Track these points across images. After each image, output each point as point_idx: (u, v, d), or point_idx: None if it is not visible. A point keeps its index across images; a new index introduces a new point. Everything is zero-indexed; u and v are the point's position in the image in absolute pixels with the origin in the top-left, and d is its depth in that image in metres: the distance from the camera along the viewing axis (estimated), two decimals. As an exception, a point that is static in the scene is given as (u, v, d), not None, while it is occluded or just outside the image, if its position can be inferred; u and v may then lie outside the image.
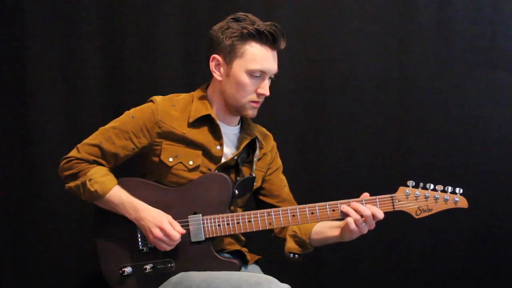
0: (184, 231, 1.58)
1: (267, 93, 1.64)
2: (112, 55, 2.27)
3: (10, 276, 2.26)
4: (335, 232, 1.61)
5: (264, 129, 1.86)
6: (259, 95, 1.64)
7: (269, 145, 1.82)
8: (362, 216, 1.51)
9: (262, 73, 1.62)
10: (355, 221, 1.50)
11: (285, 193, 1.82)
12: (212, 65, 1.66)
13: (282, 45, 1.63)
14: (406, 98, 2.32)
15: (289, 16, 2.28)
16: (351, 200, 1.54)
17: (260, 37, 1.59)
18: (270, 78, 1.66)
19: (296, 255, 1.72)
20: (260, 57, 1.60)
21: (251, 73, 1.60)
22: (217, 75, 1.66)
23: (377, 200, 1.54)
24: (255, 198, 1.83)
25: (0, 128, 2.24)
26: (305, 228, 1.70)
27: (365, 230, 1.53)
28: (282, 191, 1.81)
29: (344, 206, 1.53)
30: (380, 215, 1.51)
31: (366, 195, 1.55)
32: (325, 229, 1.66)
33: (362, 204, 1.53)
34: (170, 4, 2.26)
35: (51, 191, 2.24)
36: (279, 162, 1.86)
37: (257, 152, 1.74)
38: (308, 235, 1.69)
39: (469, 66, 2.29)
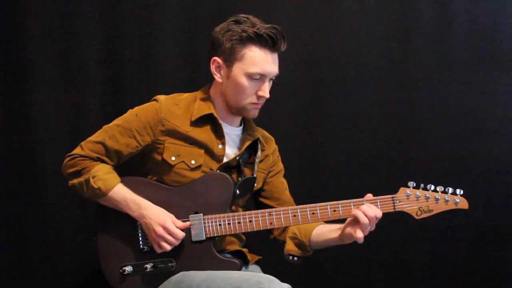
0: (187, 224, 1.59)
1: (267, 95, 1.64)
2: (112, 55, 2.27)
3: (10, 276, 2.25)
4: (335, 234, 1.60)
5: (266, 132, 1.86)
6: (259, 97, 1.64)
7: (271, 148, 1.83)
8: (368, 217, 1.49)
9: (262, 76, 1.62)
10: (362, 226, 1.48)
11: (286, 196, 1.82)
12: (213, 67, 1.66)
13: (283, 47, 1.63)
14: (406, 98, 2.32)
15: (289, 16, 2.28)
16: (352, 200, 1.54)
17: (260, 40, 1.58)
18: (271, 79, 1.66)
19: (295, 258, 1.72)
20: (259, 61, 1.59)
21: (250, 76, 1.60)
22: (217, 77, 1.66)
23: (378, 200, 1.54)
24: (256, 201, 1.83)
25: (1, 127, 2.23)
26: (306, 230, 1.70)
27: (366, 231, 1.52)
28: (283, 193, 1.81)
29: (355, 210, 1.51)
30: (379, 214, 1.50)
31: (369, 195, 1.55)
32: (326, 231, 1.65)
33: (363, 204, 1.53)
34: (170, 4, 2.26)
35: (52, 190, 2.24)
36: (281, 165, 1.86)
37: (259, 153, 1.74)
38: (308, 237, 1.68)
39: (469, 66, 2.30)
